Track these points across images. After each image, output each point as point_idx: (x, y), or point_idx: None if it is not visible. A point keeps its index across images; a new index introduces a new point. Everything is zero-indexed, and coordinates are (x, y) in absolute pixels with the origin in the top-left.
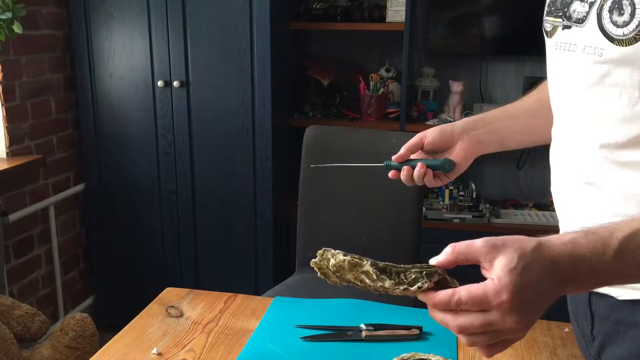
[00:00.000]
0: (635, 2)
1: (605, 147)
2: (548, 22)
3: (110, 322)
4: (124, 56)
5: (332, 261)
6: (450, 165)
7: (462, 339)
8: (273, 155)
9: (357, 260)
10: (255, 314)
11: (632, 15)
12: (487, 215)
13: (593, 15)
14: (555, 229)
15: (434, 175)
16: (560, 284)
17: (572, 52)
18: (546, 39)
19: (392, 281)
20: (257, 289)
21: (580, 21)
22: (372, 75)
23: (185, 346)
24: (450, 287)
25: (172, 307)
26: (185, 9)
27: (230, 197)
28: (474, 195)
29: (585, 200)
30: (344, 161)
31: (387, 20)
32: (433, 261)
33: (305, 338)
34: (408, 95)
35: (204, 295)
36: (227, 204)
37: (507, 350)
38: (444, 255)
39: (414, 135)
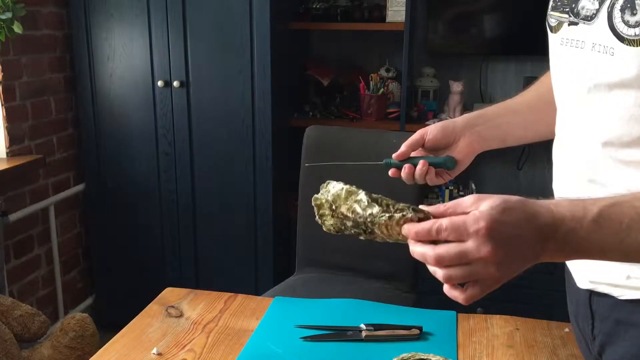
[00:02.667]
0: None
1: (609, 145)
2: (553, 17)
3: (110, 322)
4: (124, 56)
5: (332, 191)
6: (452, 162)
7: (439, 274)
8: (273, 155)
9: (353, 189)
10: (255, 314)
11: None
12: None
13: (603, 14)
14: None
15: (435, 173)
16: (539, 238)
17: (580, 49)
18: (550, 34)
19: (380, 208)
20: (257, 289)
21: (589, 18)
22: (372, 75)
23: (185, 346)
24: None
25: (172, 307)
26: (185, 9)
27: (230, 197)
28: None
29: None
30: (344, 160)
31: (387, 20)
32: (424, 207)
33: (305, 338)
34: (408, 95)
35: (204, 295)
36: (227, 204)
37: (507, 350)
38: (435, 206)
39: (413, 135)
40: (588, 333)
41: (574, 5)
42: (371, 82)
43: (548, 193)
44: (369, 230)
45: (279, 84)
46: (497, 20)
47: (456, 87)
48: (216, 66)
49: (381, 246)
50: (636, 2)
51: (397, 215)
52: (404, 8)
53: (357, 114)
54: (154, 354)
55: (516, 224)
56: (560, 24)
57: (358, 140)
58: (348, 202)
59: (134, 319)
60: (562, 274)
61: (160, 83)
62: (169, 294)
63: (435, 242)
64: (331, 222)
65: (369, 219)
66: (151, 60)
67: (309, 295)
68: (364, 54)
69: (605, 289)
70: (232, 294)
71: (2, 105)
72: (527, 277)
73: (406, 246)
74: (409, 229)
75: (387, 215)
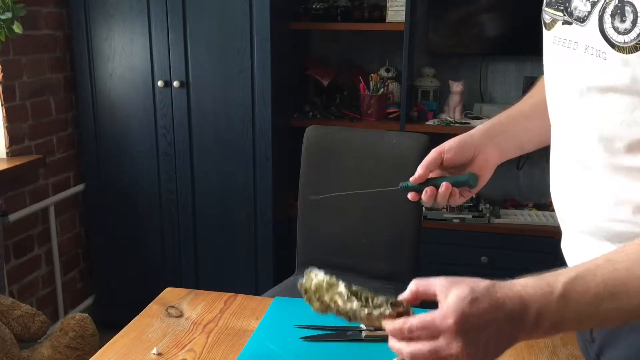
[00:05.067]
0: (638, 10)
1: (602, 150)
2: (547, 13)
3: (110, 322)
4: (124, 56)
5: (314, 280)
6: (475, 180)
7: None
8: (273, 155)
9: (333, 281)
10: (255, 314)
11: (634, 23)
12: (487, 215)
13: (595, 17)
14: (555, 229)
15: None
16: (510, 323)
17: (573, 50)
18: (544, 30)
19: (359, 302)
20: (257, 289)
21: (582, 20)
22: (372, 75)
23: (185, 346)
24: None
25: (172, 307)
26: (185, 9)
27: (230, 197)
28: (474, 196)
29: (581, 203)
30: (344, 161)
31: (387, 20)
32: (400, 297)
33: (305, 338)
34: (408, 95)
35: (204, 295)
36: (227, 204)
37: (508, 350)
38: (407, 291)
39: (415, 135)
40: (587, 335)
41: (567, 4)
42: (371, 82)
43: (548, 193)
44: (353, 318)
45: (279, 84)
46: (497, 20)
47: (456, 87)
48: (216, 66)
49: (381, 246)
50: (626, 8)
51: (376, 313)
52: (404, 8)
53: (357, 114)
54: (154, 354)
55: (485, 315)
56: (554, 21)
57: (358, 141)
58: (329, 294)
59: (134, 319)
60: None
61: (160, 83)
62: (169, 294)
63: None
64: (317, 305)
65: (349, 312)
66: (151, 60)
67: None
68: (364, 54)
69: None
70: (232, 294)
71: (2, 105)
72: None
73: (406, 246)
74: (385, 327)
75: (366, 310)
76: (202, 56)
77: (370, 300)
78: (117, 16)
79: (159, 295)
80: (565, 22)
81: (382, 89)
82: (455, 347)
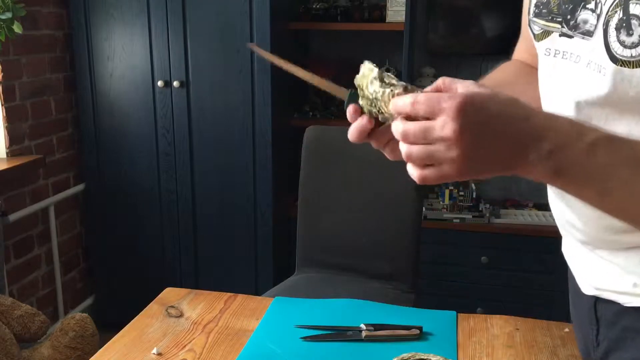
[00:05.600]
0: None
1: None
2: (537, 24)
3: (110, 322)
4: (124, 56)
5: (361, 70)
6: None
7: (402, 149)
8: (273, 155)
9: (371, 66)
10: (255, 314)
11: None
12: (487, 215)
13: (600, 30)
14: (555, 229)
15: None
16: (521, 143)
17: (574, 63)
18: (534, 41)
19: (380, 84)
20: (257, 289)
21: (589, 33)
22: None
23: (185, 346)
24: None
25: (172, 307)
26: (185, 9)
27: (230, 197)
28: (474, 195)
29: (578, 215)
30: (344, 161)
31: (387, 20)
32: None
33: (305, 338)
34: None
35: (204, 295)
36: (227, 204)
37: (507, 350)
38: (432, 85)
39: None
40: (591, 338)
41: (569, 17)
42: None
43: (547, 194)
44: (379, 108)
45: (279, 84)
46: (497, 20)
47: None
48: (216, 66)
49: (381, 246)
50: (632, 21)
51: (387, 90)
52: (404, 8)
53: None
54: (154, 354)
55: (495, 116)
56: (546, 32)
57: None
58: (367, 80)
59: (134, 319)
60: (562, 274)
61: (160, 83)
62: (169, 294)
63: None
64: (362, 102)
65: (373, 96)
66: (151, 60)
67: (309, 295)
68: (364, 54)
69: (611, 296)
70: (232, 294)
71: (2, 105)
72: (527, 277)
73: (406, 246)
74: (393, 102)
75: (381, 90)
76: (202, 56)
77: (390, 82)
78: (117, 16)
79: (159, 295)
80: (563, 35)
81: None
82: (448, 129)
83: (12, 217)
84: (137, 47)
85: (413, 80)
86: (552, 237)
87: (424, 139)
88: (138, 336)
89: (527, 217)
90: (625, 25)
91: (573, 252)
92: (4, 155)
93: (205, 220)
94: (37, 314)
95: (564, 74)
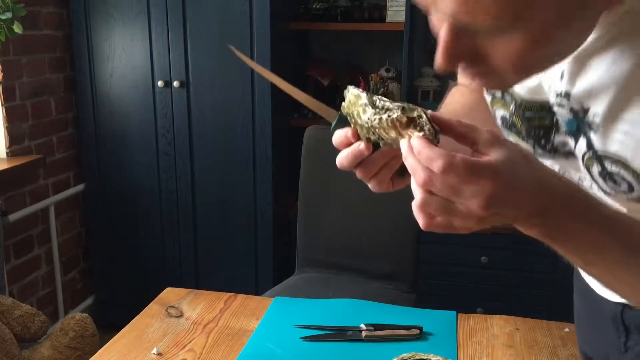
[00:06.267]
0: (629, 179)
1: None
2: (509, 135)
3: (110, 322)
4: (124, 56)
5: (347, 97)
6: None
7: (418, 195)
8: (273, 155)
9: (358, 92)
10: (255, 314)
11: (632, 188)
12: None
13: (583, 167)
14: None
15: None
16: (542, 197)
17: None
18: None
19: (374, 110)
20: (257, 289)
21: (570, 155)
22: (372, 75)
23: (185, 346)
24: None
25: (172, 307)
26: (185, 9)
27: (230, 197)
28: None
29: None
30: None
31: (387, 20)
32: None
33: (305, 338)
34: (408, 95)
35: (204, 295)
36: (227, 204)
37: (507, 350)
38: (446, 117)
39: None
40: (617, 344)
41: (544, 141)
42: (371, 82)
43: None
44: (378, 136)
45: None
46: None
47: None
48: (216, 66)
49: (381, 246)
50: (614, 177)
51: (384, 116)
52: (404, 8)
53: None
54: (154, 354)
55: (520, 188)
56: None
57: None
58: (357, 107)
59: (134, 319)
60: (563, 274)
61: (160, 83)
62: (169, 294)
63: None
64: (357, 129)
65: (367, 124)
66: (151, 61)
67: (309, 295)
68: (364, 54)
69: None
70: (232, 294)
71: (2, 105)
72: (527, 277)
73: (406, 246)
74: (419, 147)
75: (377, 117)
76: (202, 56)
77: (385, 106)
78: (117, 16)
79: (159, 295)
80: (540, 155)
81: (382, 89)
82: (476, 204)
83: (12, 217)
84: (137, 47)
85: (413, 79)
86: None
87: (449, 195)
88: (138, 336)
89: None
90: (608, 177)
91: None
92: (4, 155)
93: (205, 220)
94: (37, 314)
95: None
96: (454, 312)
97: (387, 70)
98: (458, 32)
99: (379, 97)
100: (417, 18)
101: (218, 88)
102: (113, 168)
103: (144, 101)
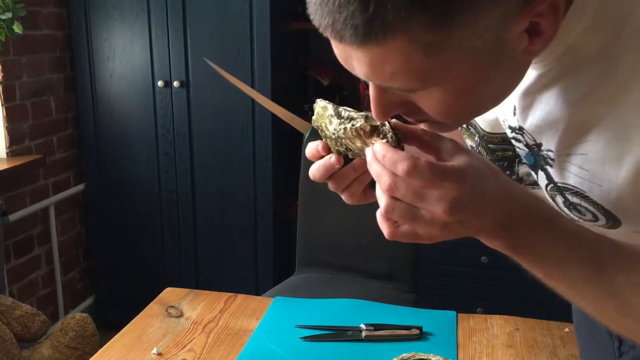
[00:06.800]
0: (593, 210)
1: None
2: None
3: (110, 322)
4: (124, 56)
5: (316, 109)
6: None
7: (382, 201)
8: (273, 156)
9: (324, 104)
10: (255, 314)
11: (596, 218)
12: None
13: (545, 193)
14: None
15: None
16: (505, 208)
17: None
18: None
19: (339, 121)
20: (257, 289)
21: (535, 185)
22: None
23: (185, 346)
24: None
25: (172, 307)
26: (185, 9)
27: (230, 197)
28: None
29: None
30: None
31: None
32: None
33: (305, 338)
34: None
35: (204, 295)
36: (227, 204)
37: (507, 350)
38: (410, 126)
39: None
40: (612, 350)
41: (508, 172)
42: None
43: None
44: (345, 146)
45: (279, 84)
46: None
47: None
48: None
49: (381, 246)
50: (577, 207)
51: (348, 126)
52: None
53: None
54: (154, 354)
55: (484, 193)
56: None
57: None
58: (324, 119)
59: (134, 319)
60: None
61: (160, 83)
62: (169, 294)
63: None
64: (328, 142)
65: (334, 135)
66: (151, 61)
67: (309, 295)
68: None
69: None
70: (232, 294)
71: (2, 105)
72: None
73: (406, 246)
74: (383, 151)
75: (342, 127)
76: (202, 56)
77: (349, 116)
78: (117, 16)
79: (159, 295)
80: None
81: None
82: (440, 209)
83: (12, 217)
84: (137, 47)
85: None
86: None
87: (413, 200)
88: (138, 336)
89: None
90: (572, 207)
91: None
92: (4, 155)
93: (205, 220)
94: (37, 314)
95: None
96: (454, 312)
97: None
98: (383, 89)
99: (345, 108)
100: None
101: (218, 88)
102: (113, 168)
103: (144, 101)
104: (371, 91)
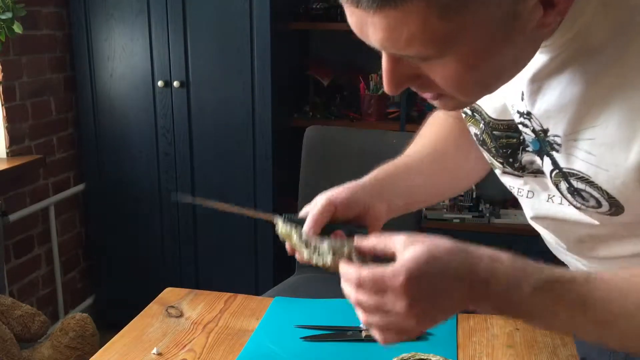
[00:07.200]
0: (596, 196)
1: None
2: (483, 152)
3: (110, 322)
4: (124, 56)
5: (278, 230)
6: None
7: (360, 317)
8: (273, 155)
9: (288, 231)
10: (255, 314)
11: (600, 204)
12: (487, 215)
13: (551, 184)
14: None
15: None
16: (468, 293)
17: (528, 199)
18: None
19: (309, 250)
20: (257, 289)
21: (542, 173)
22: (372, 75)
23: (185, 346)
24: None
25: (172, 307)
26: (185, 9)
27: (230, 197)
28: (474, 195)
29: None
30: (344, 162)
31: None
32: (358, 239)
33: (305, 338)
34: (408, 95)
35: (204, 295)
36: (227, 204)
37: (507, 350)
38: (369, 238)
39: (413, 135)
40: (607, 351)
41: (511, 160)
42: (371, 82)
43: None
44: (323, 261)
45: (279, 84)
46: None
47: None
48: (216, 66)
49: None
50: (582, 193)
51: (320, 261)
52: None
53: (357, 114)
54: (154, 354)
55: (439, 279)
56: (491, 163)
57: (358, 141)
58: (292, 241)
59: (134, 319)
60: None
61: (160, 83)
62: (169, 294)
63: None
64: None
65: (306, 259)
66: (151, 60)
67: (309, 295)
68: (364, 54)
69: None
70: (232, 294)
71: (2, 105)
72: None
73: None
74: (340, 269)
75: (314, 258)
76: (202, 56)
77: (318, 247)
78: (117, 16)
79: (159, 295)
80: (507, 173)
81: (382, 89)
82: (400, 305)
83: (12, 217)
84: (137, 47)
85: None
86: None
87: (379, 311)
88: (138, 336)
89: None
90: (576, 193)
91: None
92: (4, 155)
93: (205, 220)
94: (37, 314)
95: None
96: None
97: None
98: (396, 60)
99: (307, 234)
100: None
101: (218, 88)
102: (113, 168)
103: (144, 101)
104: (384, 63)
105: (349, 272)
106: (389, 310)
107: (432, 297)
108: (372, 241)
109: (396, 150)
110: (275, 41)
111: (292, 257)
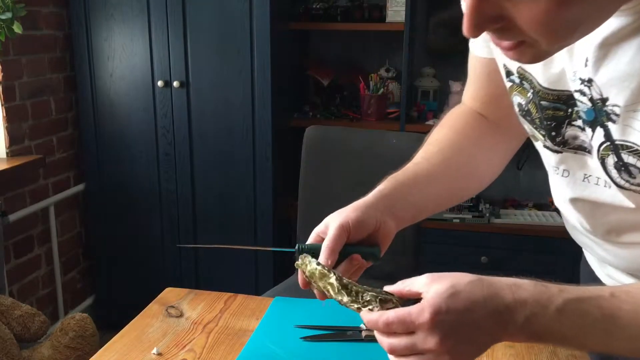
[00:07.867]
0: None
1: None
2: (524, 123)
3: (110, 322)
4: (124, 56)
5: (308, 267)
6: (379, 252)
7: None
8: (273, 155)
9: (325, 271)
10: (255, 314)
11: None
12: (487, 215)
13: (596, 159)
14: (555, 229)
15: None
16: (495, 321)
17: (562, 177)
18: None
19: (350, 298)
20: (257, 289)
21: (584, 149)
22: (372, 75)
23: (185, 346)
24: None
25: (172, 307)
26: (185, 9)
27: (230, 197)
28: (474, 196)
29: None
30: (344, 162)
31: (387, 20)
32: (388, 288)
33: (305, 338)
34: (408, 95)
35: (204, 295)
36: (227, 204)
37: (507, 350)
38: (395, 285)
39: (415, 135)
40: None
41: (554, 133)
42: (371, 82)
43: (547, 193)
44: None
45: (279, 84)
46: None
47: (456, 87)
48: (216, 66)
49: None
50: (630, 168)
51: (364, 310)
52: (404, 8)
53: (357, 114)
54: (154, 354)
55: (465, 311)
56: (534, 137)
57: (358, 141)
58: (322, 282)
59: (134, 319)
60: (563, 274)
61: (160, 83)
62: (169, 294)
63: None
64: (315, 289)
65: (341, 303)
66: (151, 61)
67: (309, 295)
68: (364, 54)
69: None
70: (232, 294)
71: (2, 105)
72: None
73: (406, 246)
74: (363, 318)
75: (355, 305)
76: (202, 56)
77: (360, 295)
78: (117, 16)
79: (159, 295)
80: (547, 147)
81: (382, 89)
82: (431, 342)
83: (12, 217)
84: (137, 47)
85: (413, 79)
86: (552, 237)
87: (411, 352)
88: (138, 336)
89: (527, 217)
90: (623, 168)
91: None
92: (4, 155)
93: (205, 220)
94: (37, 314)
95: (562, 180)
96: None
97: (387, 70)
98: None
99: (346, 279)
100: (417, 18)
101: (218, 88)
102: (113, 168)
103: (144, 101)
104: (467, 2)
105: (373, 318)
106: (422, 349)
107: (460, 329)
108: (397, 286)
109: (396, 150)
110: (275, 41)
111: (293, 257)
